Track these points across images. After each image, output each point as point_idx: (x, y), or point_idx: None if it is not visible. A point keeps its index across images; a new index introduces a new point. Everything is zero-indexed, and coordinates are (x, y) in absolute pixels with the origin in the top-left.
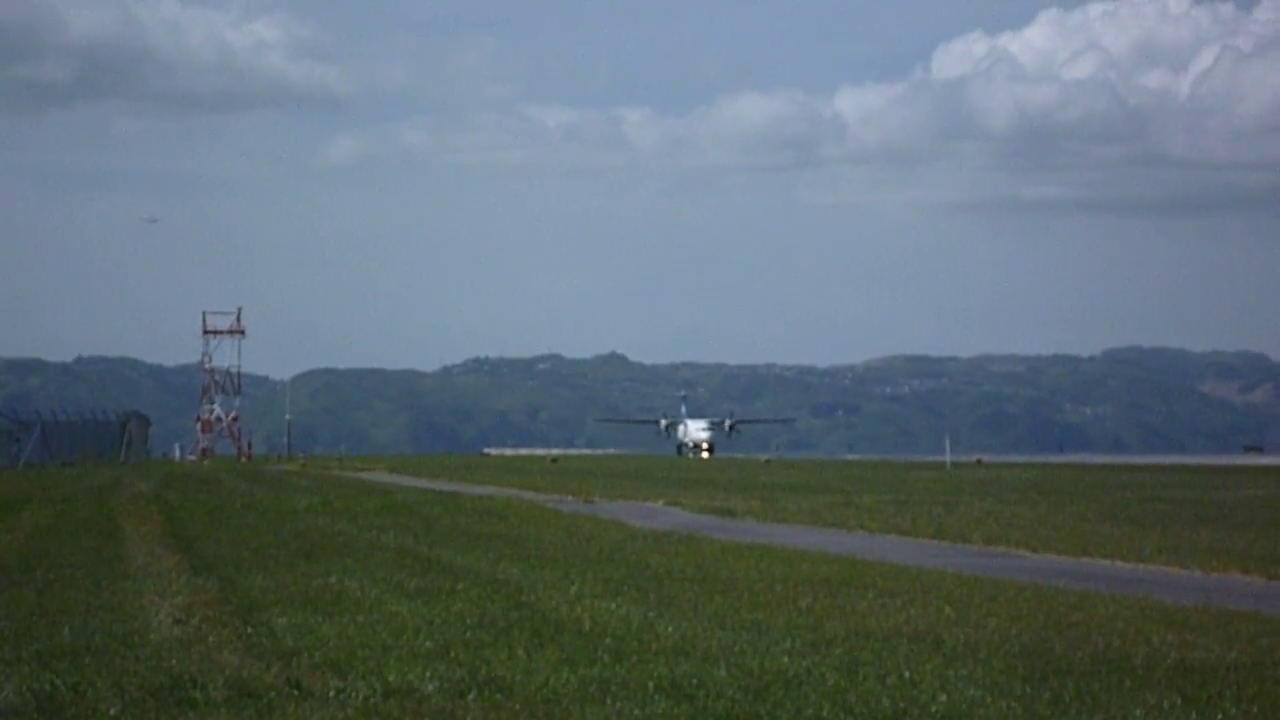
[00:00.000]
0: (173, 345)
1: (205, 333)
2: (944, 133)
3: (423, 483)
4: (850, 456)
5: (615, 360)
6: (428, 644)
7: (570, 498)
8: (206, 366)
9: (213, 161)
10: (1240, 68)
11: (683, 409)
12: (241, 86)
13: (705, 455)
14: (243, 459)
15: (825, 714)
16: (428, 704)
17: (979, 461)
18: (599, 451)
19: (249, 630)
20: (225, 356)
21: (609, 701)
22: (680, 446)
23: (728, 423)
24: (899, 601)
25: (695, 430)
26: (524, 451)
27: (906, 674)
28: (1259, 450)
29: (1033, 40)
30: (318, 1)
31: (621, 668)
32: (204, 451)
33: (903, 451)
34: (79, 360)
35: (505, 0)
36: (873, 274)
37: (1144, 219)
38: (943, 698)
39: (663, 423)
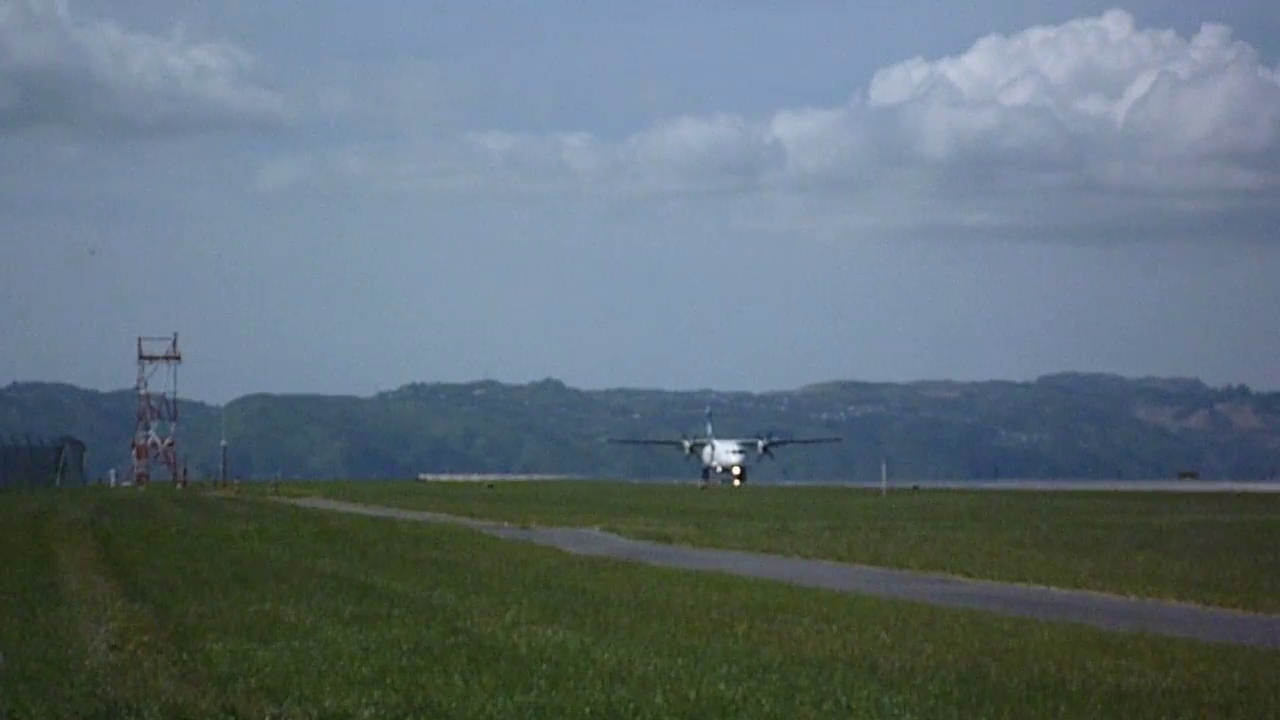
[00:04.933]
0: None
1: (141, 358)
2: (883, 159)
3: (358, 508)
4: (786, 482)
5: (552, 386)
6: (364, 670)
7: (507, 524)
8: (142, 392)
9: (152, 187)
10: (1177, 95)
11: (709, 428)
12: (184, 113)
13: (736, 482)
14: (178, 485)
15: None
16: None
17: (915, 488)
18: (536, 477)
19: (184, 656)
20: (161, 382)
21: None
22: (707, 471)
23: (760, 443)
24: (835, 627)
25: (725, 452)
26: (459, 477)
27: (843, 700)
28: (1194, 476)
29: (972, 67)
30: (261, 28)
31: (558, 694)
32: (139, 477)
33: (839, 478)
34: (13, 386)
35: (447, 27)
36: (810, 300)
37: (1080, 246)
38: None
39: (687, 444)
